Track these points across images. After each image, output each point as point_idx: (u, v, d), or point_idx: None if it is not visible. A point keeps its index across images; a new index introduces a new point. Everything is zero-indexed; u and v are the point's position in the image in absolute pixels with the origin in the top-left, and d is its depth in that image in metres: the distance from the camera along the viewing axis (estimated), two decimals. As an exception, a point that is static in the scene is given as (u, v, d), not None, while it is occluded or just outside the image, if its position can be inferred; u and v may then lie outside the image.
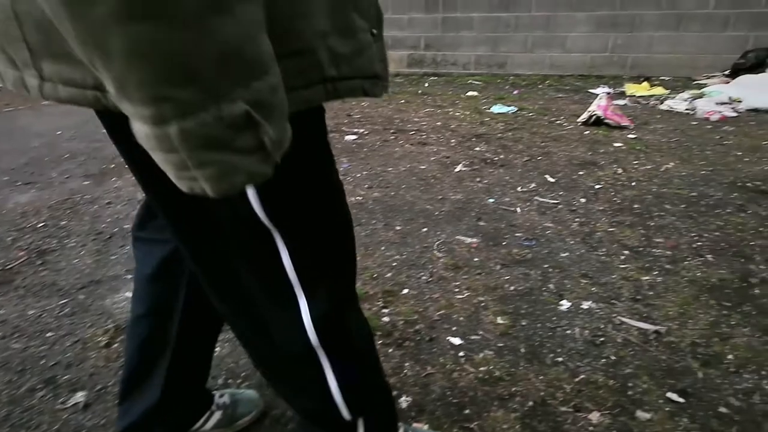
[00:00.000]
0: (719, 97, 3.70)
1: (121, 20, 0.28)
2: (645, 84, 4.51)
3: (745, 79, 4.06)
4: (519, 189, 2.22)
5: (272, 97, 0.35)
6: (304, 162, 0.49)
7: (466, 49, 5.86)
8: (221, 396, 0.97)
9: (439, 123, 3.50)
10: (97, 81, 0.37)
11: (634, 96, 4.25)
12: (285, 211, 0.51)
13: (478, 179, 2.36)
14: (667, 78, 5.17)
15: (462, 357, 1.20)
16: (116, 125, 0.44)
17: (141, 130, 0.33)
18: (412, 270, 1.60)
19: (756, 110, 3.47)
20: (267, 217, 0.50)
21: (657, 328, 1.24)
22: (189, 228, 0.54)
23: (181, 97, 0.31)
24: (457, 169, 2.51)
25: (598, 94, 4.47)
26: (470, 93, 4.68)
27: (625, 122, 3.17)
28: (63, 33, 0.30)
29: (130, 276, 1.57)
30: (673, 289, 1.42)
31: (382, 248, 1.74)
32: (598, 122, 3.19)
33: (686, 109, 3.55)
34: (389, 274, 1.57)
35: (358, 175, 2.48)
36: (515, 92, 4.71)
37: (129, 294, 1.43)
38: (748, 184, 2.16)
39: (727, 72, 4.76)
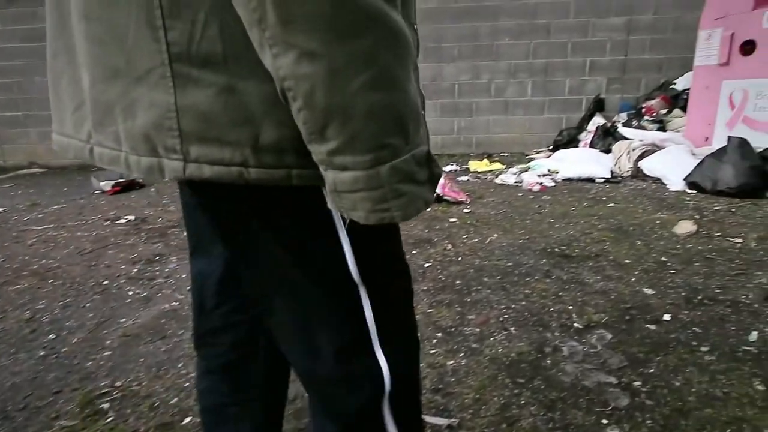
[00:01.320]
0: (541, 169, 4.22)
1: (369, 91, 0.37)
2: (485, 161, 5.02)
3: (561, 153, 4.72)
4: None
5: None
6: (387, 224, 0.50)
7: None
8: None
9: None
10: (243, 158, 0.43)
11: (476, 172, 4.68)
12: (371, 268, 0.54)
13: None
14: (505, 154, 5.85)
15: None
16: (258, 200, 0.49)
17: (347, 177, 0.41)
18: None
19: (569, 179, 4.00)
20: (358, 273, 0.53)
21: (449, 421, 1.19)
22: (283, 293, 0.56)
23: (395, 143, 0.40)
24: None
25: (446, 170, 4.85)
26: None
27: (462, 197, 3.41)
28: (303, 104, 0.38)
29: None
30: (474, 371, 1.40)
31: (180, 365, 1.51)
32: (438, 199, 3.40)
33: (515, 182, 3.97)
34: (174, 400, 1.34)
35: (183, 276, 2.25)
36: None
37: None
38: (556, 249, 2.37)
39: (551, 147, 5.52)
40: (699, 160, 3.46)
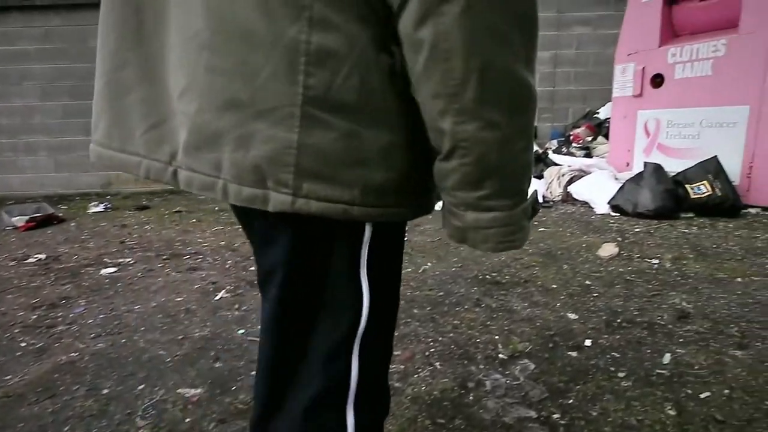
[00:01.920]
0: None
1: (524, 153, 0.49)
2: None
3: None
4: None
5: None
6: (396, 245, 0.63)
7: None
8: None
9: (222, 243, 3.29)
10: (351, 197, 0.47)
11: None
12: (378, 277, 0.57)
13: (236, 306, 2.14)
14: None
15: None
16: (350, 245, 0.54)
17: (488, 216, 0.50)
18: (96, 455, 1.23)
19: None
20: (366, 279, 0.56)
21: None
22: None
23: (526, 189, 0.51)
24: (218, 297, 2.27)
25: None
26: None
27: (399, 226, 3.40)
28: (473, 160, 0.46)
29: None
30: (394, 413, 1.33)
31: (66, 428, 1.33)
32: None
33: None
34: (51, 473, 1.17)
35: (90, 321, 2.05)
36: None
37: None
38: (487, 276, 2.38)
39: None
40: (621, 185, 3.66)
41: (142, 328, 1.96)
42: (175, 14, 0.48)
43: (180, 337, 1.87)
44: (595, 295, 2.09)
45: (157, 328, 1.95)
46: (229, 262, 2.83)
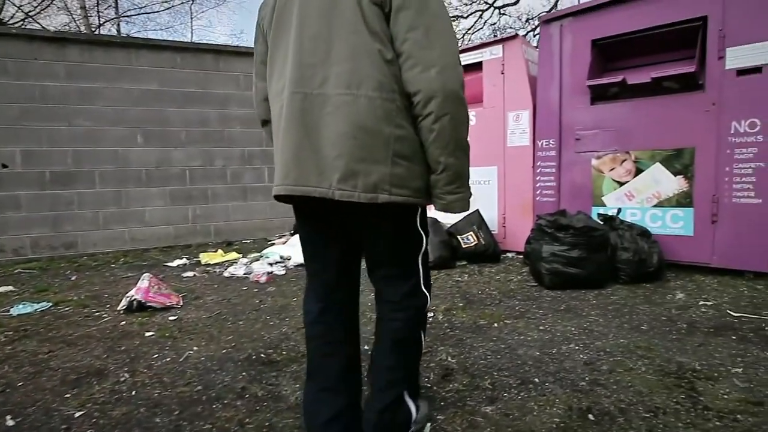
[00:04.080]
0: (273, 257, 4.06)
1: (468, 168, 1.22)
2: (220, 251, 4.61)
3: (296, 237, 4.70)
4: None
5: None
6: (425, 214, 1.31)
7: (15, 231, 4.71)
8: None
9: None
10: (410, 194, 1.14)
11: (208, 264, 4.21)
12: (423, 227, 1.30)
13: None
14: (248, 241, 5.58)
15: None
16: (411, 216, 1.25)
17: (457, 197, 1.18)
18: None
19: (301, 264, 3.94)
20: (422, 229, 1.29)
21: None
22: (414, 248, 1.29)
23: (468, 184, 1.22)
24: None
25: (174, 266, 4.22)
26: (3, 288, 3.54)
27: (172, 301, 2.88)
28: (453, 173, 1.17)
29: None
30: None
31: None
32: (140, 307, 2.78)
33: (245, 273, 3.66)
34: None
35: None
36: (73, 278, 3.89)
37: None
38: (262, 355, 2.08)
39: (292, 231, 5.51)
40: (406, 239, 3.86)
41: None
42: (326, 123, 1.11)
43: None
44: (363, 365, 1.98)
45: None
46: None
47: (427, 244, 1.31)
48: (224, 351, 2.15)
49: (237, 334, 2.37)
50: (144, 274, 3.00)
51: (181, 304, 2.92)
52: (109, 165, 4.96)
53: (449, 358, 1.96)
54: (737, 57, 2.92)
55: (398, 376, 1.25)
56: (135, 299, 2.77)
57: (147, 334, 2.40)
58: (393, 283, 1.27)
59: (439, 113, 1.07)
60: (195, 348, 2.20)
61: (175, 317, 2.66)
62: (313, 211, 1.24)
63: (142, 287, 2.84)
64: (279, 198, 1.22)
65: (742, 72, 2.92)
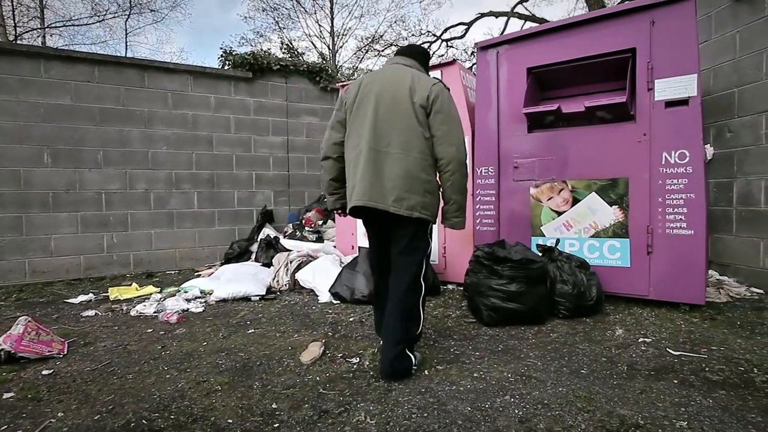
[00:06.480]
0: (192, 291, 3.64)
1: (466, 201, 2.23)
2: (134, 285, 4.11)
3: (223, 268, 4.29)
4: None
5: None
6: (431, 228, 2.29)
7: None
8: None
9: None
10: (431, 214, 2.14)
11: (119, 300, 3.71)
12: (430, 236, 2.26)
13: None
14: (172, 272, 5.07)
15: None
16: (426, 228, 2.20)
17: (460, 219, 2.23)
18: None
19: (224, 300, 3.54)
20: (429, 236, 2.24)
21: None
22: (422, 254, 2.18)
23: (465, 206, 2.24)
24: None
25: (76, 304, 3.69)
26: None
27: (52, 350, 2.42)
28: (457, 206, 2.21)
29: None
30: None
31: None
32: (10, 359, 2.31)
33: (155, 312, 3.22)
34: None
35: None
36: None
37: None
38: (144, 421, 1.71)
39: (223, 261, 5.08)
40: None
41: None
42: (389, 168, 2.05)
43: None
44: (276, 425, 1.66)
45: None
46: None
47: (431, 246, 2.27)
48: (96, 417, 1.75)
49: (121, 392, 1.97)
50: (20, 318, 2.52)
51: (65, 352, 2.46)
52: (6, 187, 4.37)
53: (368, 418, 1.68)
54: (665, 89, 2.95)
55: (400, 337, 2.04)
56: (2, 349, 2.30)
57: (4, 396, 1.95)
58: (407, 260, 2.13)
59: (454, 171, 2.09)
60: (60, 414, 1.78)
61: (51, 371, 2.21)
62: (374, 219, 2.18)
63: (14, 334, 2.37)
64: (355, 208, 2.11)
65: (670, 104, 2.94)
